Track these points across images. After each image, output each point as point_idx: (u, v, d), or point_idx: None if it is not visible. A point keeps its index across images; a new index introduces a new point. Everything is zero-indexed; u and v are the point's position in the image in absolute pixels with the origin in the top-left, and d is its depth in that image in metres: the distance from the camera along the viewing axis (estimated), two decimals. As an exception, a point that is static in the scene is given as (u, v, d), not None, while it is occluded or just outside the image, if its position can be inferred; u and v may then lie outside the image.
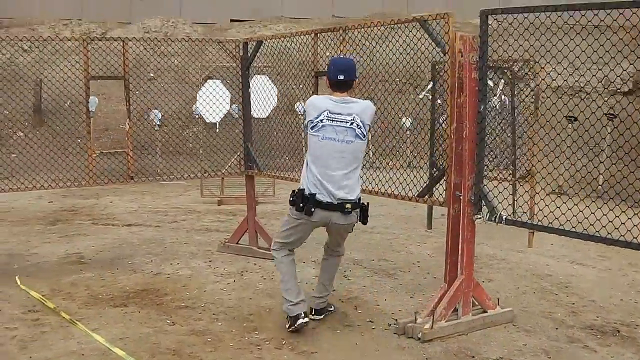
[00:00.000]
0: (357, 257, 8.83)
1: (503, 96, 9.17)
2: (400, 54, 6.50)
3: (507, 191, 6.58)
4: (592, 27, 5.41)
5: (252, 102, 8.65)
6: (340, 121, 5.77)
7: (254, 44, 8.57)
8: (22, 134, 18.90)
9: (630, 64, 10.41)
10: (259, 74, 10.24)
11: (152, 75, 17.95)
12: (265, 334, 6.22)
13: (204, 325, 6.42)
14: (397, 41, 6.73)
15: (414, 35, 6.45)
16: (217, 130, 13.17)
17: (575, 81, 13.27)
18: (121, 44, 8.09)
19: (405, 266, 8.61)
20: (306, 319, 6.13)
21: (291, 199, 5.92)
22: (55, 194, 12.56)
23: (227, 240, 9.17)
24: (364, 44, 7.62)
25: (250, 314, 6.72)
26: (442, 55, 6.27)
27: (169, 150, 16.01)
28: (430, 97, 9.59)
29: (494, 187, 6.55)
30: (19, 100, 11.53)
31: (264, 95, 8.80)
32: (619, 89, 15.31)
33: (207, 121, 12.59)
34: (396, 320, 6.55)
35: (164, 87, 18.50)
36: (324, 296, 6.58)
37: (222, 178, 13.00)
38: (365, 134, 5.86)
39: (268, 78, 10.17)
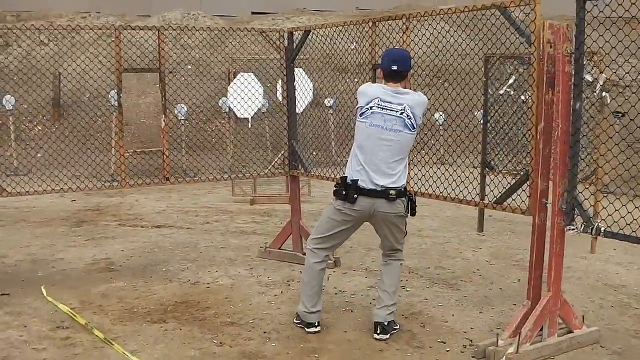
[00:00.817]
0: (411, 265, 8.09)
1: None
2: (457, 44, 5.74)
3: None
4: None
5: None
6: (391, 110, 5.54)
7: (301, 34, 7.83)
8: (40, 128, 18.31)
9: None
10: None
11: (176, 67, 17.32)
12: (327, 357, 5.50)
13: (255, 346, 5.71)
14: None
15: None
16: (250, 126, 12.44)
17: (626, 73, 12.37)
18: (156, 33, 7.37)
19: (465, 275, 7.88)
20: (318, 329, 5.99)
21: (335, 188, 5.70)
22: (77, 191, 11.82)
23: (268, 246, 8.45)
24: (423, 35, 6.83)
25: (307, 332, 5.98)
26: (526, 45, 5.53)
27: (195, 146, 15.31)
28: (505, 92, 8.80)
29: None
30: (37, 95, 10.82)
31: (300, 90, 8.24)
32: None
33: (240, 116, 11.86)
34: (471, 341, 5.85)
35: (187, 80, 17.95)
36: (390, 306, 5.92)
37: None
38: (415, 126, 5.58)
39: (303, 71, 9.57)
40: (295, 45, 7.91)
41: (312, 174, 7.86)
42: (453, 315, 6.51)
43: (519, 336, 5.45)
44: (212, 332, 5.98)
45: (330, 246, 5.93)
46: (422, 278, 7.69)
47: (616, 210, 5.20)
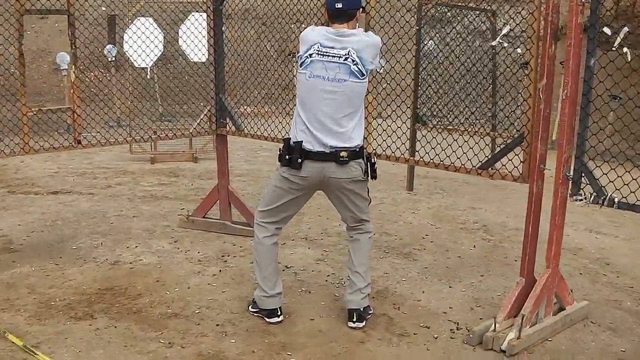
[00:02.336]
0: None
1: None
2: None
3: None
4: None
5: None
6: (333, 56, 4.66)
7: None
8: None
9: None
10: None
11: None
12: (302, 355, 4.65)
13: (211, 344, 4.78)
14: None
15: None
16: (149, 76, 11.26)
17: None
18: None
19: (415, 242, 7.16)
20: (281, 318, 5.14)
21: (278, 152, 4.85)
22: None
23: (190, 214, 7.47)
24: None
25: (268, 323, 5.11)
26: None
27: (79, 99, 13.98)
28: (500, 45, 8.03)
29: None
30: None
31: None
32: None
33: (137, 65, 10.67)
34: (457, 324, 5.18)
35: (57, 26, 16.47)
36: (363, 289, 5.12)
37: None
38: (364, 72, 4.69)
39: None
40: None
41: (246, 132, 6.87)
42: (423, 292, 5.78)
43: (521, 319, 4.75)
44: (154, 328, 5.01)
45: (279, 219, 5.06)
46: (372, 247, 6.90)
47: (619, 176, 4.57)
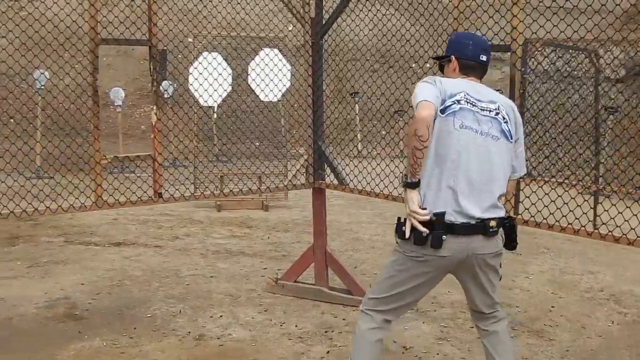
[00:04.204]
0: (459, 299, 6.27)
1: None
2: None
3: None
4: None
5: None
6: (482, 109, 3.75)
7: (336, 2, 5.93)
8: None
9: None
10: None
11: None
12: None
13: None
14: None
15: None
16: (215, 115, 10.40)
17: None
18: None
19: (543, 315, 6.18)
20: None
21: (403, 227, 3.70)
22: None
23: (280, 277, 6.51)
24: None
25: None
26: None
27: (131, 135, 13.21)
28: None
29: None
30: None
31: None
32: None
33: (202, 103, 9.83)
34: None
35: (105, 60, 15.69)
36: None
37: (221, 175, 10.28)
38: (512, 134, 3.83)
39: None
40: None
41: (351, 186, 5.91)
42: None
43: None
44: None
45: (393, 307, 3.96)
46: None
47: None
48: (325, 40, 6.07)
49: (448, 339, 5.53)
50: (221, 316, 5.90)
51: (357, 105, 14.67)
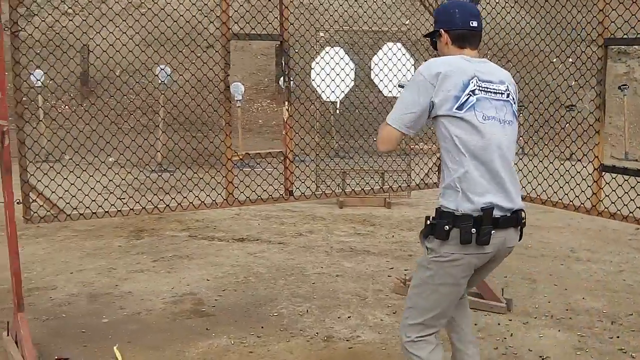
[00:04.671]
0: (605, 309, 5.96)
1: None
2: None
3: None
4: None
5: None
6: (495, 92, 3.51)
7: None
8: (67, 106, 16.31)
9: None
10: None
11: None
12: None
13: None
14: None
15: None
16: (338, 110, 10.26)
17: None
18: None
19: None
20: None
21: (445, 226, 3.40)
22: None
23: (407, 278, 6.30)
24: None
25: None
26: None
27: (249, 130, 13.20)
28: None
29: None
30: (66, 70, 8.61)
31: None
32: None
33: (325, 98, 9.73)
34: None
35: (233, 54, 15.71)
36: None
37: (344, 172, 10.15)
38: (517, 112, 3.67)
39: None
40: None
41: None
42: None
43: None
44: None
45: (440, 324, 3.68)
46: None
47: None
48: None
49: (586, 349, 5.19)
50: (349, 317, 5.74)
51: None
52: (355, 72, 9.86)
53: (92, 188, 4.90)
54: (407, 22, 10.41)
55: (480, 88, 3.45)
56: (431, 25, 4.25)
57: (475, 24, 3.63)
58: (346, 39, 10.08)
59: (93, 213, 4.74)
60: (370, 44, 9.36)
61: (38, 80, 12.54)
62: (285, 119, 5.25)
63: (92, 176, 4.88)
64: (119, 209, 4.85)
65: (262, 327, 5.51)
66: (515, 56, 5.86)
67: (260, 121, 18.66)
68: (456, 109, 3.40)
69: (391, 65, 6.43)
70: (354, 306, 6.00)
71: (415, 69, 8.68)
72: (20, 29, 4.23)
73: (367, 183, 7.28)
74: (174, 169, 12.03)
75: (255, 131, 17.48)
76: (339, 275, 6.85)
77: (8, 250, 4.66)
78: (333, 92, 9.45)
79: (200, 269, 6.97)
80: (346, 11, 6.51)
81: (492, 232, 3.38)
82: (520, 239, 3.62)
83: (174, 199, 5.21)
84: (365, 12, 6.06)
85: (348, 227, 8.86)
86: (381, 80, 6.89)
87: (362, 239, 8.31)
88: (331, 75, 6.75)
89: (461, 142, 3.41)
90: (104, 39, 5.25)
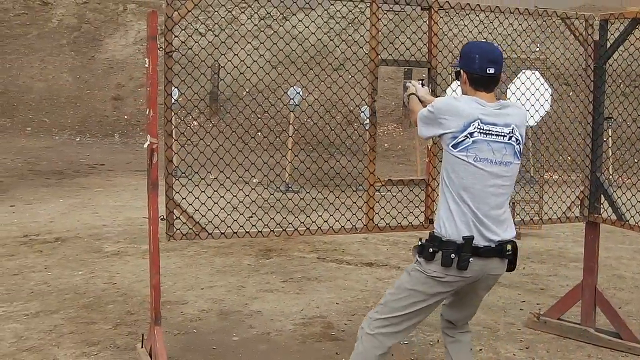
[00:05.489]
0: None
1: None
2: None
3: None
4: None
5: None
6: (497, 134, 3.90)
7: (624, 23, 5.53)
8: (196, 123, 16.70)
9: None
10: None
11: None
12: None
13: None
14: None
15: None
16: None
17: None
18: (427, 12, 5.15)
19: None
20: None
21: (430, 249, 3.90)
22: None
23: (542, 313, 6.15)
24: None
25: None
26: None
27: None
28: None
29: None
30: (196, 87, 8.78)
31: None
32: None
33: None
34: None
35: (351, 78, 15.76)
36: None
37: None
38: (522, 151, 4.08)
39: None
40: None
41: (632, 223, 5.48)
42: None
43: None
44: None
45: (402, 329, 4.12)
46: None
47: None
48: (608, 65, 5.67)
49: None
50: (481, 350, 5.64)
51: (609, 129, 13.85)
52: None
53: (227, 204, 4.94)
54: (539, 48, 10.23)
55: (481, 131, 3.83)
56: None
57: (492, 70, 3.93)
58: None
59: (234, 233, 4.79)
60: (506, 71, 9.24)
61: (174, 99, 12.84)
62: (430, 147, 5.21)
63: (220, 194, 4.92)
64: (260, 230, 4.88)
65: (392, 355, 5.45)
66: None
67: (386, 145, 18.65)
68: (452, 146, 3.88)
69: (529, 95, 6.29)
70: (485, 339, 5.89)
71: (552, 97, 8.55)
72: (174, 49, 4.32)
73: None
74: (298, 188, 12.09)
75: (380, 154, 17.45)
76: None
77: (149, 265, 4.76)
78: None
79: (329, 292, 6.98)
80: (485, 39, 6.41)
81: (471, 259, 3.82)
82: (511, 269, 4.04)
83: (303, 222, 5.24)
84: (504, 39, 5.98)
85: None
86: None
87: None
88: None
89: (452, 176, 3.91)
90: (235, 54, 5.31)
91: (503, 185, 3.95)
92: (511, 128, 3.91)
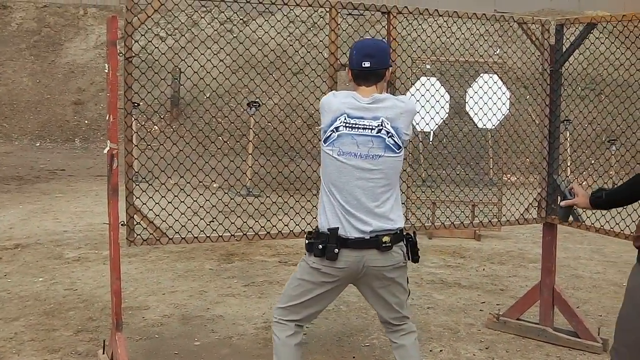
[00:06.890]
0: None
1: None
2: None
3: None
4: None
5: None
6: (363, 127, 4.01)
7: (579, 27, 5.64)
8: (157, 127, 16.66)
9: None
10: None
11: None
12: None
13: None
14: None
15: None
16: (431, 142, 10.23)
17: None
18: (385, 16, 5.21)
19: None
20: None
21: (307, 241, 4.14)
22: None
23: (501, 313, 6.23)
24: None
25: None
26: None
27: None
28: None
29: None
30: (157, 92, 8.74)
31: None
32: None
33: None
34: None
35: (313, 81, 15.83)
36: None
37: (434, 203, 10.10)
38: (400, 144, 4.05)
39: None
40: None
41: (588, 224, 5.57)
42: None
43: None
44: None
45: (303, 317, 4.30)
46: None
47: None
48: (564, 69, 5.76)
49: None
50: (441, 350, 5.70)
51: (566, 131, 14.03)
52: (450, 105, 9.86)
53: (188, 208, 4.95)
54: (497, 52, 10.36)
55: (347, 125, 3.98)
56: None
57: (367, 64, 4.06)
58: (439, 69, 10.06)
59: (195, 237, 4.80)
60: (464, 75, 9.34)
61: (135, 103, 12.81)
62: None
63: (180, 199, 4.92)
64: (221, 235, 4.90)
65: (354, 358, 5.51)
66: (608, 86, 5.80)
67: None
68: (323, 141, 4.06)
69: (486, 99, 6.36)
70: (446, 340, 5.95)
71: (510, 101, 8.64)
72: (134, 55, 4.33)
73: (457, 217, 7.19)
74: (258, 192, 12.06)
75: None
76: (430, 307, 6.81)
77: (110, 271, 4.75)
78: (427, 123, 9.40)
79: (291, 296, 6.99)
80: (443, 43, 6.50)
81: (338, 250, 3.95)
82: (415, 260, 4.17)
83: (264, 226, 5.28)
84: (461, 44, 6.06)
85: (438, 259, 8.78)
86: (476, 114, 6.88)
87: (452, 271, 8.23)
88: (426, 107, 6.71)
89: (324, 171, 4.10)
90: (195, 59, 5.34)
91: (373, 179, 4.02)
92: (380, 121, 3.99)
